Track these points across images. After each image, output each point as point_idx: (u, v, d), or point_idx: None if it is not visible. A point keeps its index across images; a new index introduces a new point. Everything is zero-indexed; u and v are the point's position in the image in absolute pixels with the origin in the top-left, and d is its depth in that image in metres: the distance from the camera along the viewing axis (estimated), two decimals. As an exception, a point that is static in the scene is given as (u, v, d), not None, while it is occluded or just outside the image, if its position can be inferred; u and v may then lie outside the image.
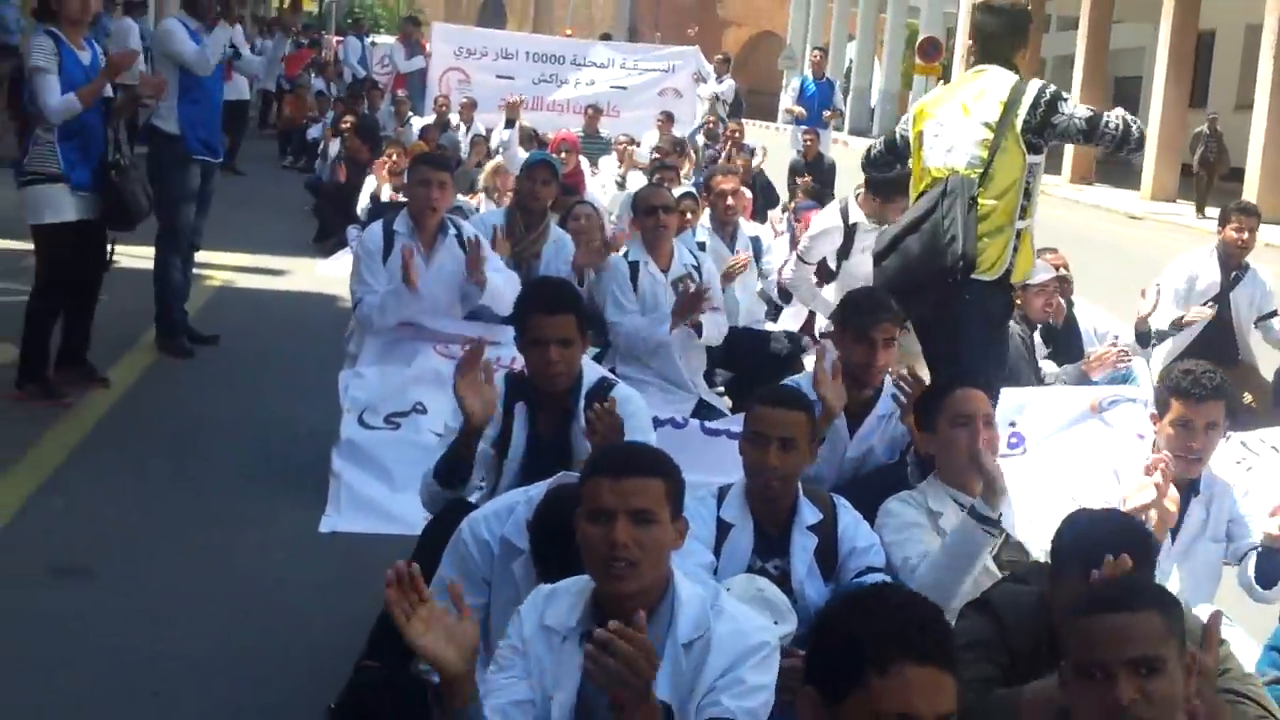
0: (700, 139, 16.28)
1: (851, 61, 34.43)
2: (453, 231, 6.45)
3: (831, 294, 7.40)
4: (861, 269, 6.94)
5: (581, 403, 4.47)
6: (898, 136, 5.68)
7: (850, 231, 7.07)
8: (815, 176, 13.40)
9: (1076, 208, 16.41)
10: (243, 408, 7.19)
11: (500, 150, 13.04)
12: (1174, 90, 23.98)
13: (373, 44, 23.01)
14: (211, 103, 8.31)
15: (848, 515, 4.05)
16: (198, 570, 5.09)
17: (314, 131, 17.74)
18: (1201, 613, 4.01)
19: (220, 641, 4.50)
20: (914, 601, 2.26)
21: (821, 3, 35.45)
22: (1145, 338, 7.46)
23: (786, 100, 19.47)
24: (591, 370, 4.72)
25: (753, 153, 13.66)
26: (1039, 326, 6.90)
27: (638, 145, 13.88)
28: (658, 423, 6.10)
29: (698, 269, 7.00)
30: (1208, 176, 22.17)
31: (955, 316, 5.19)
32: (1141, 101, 25.20)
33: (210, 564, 5.15)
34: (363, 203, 11.52)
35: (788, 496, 4.00)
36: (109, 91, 7.14)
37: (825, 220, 7.35)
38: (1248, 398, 7.32)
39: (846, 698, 2.12)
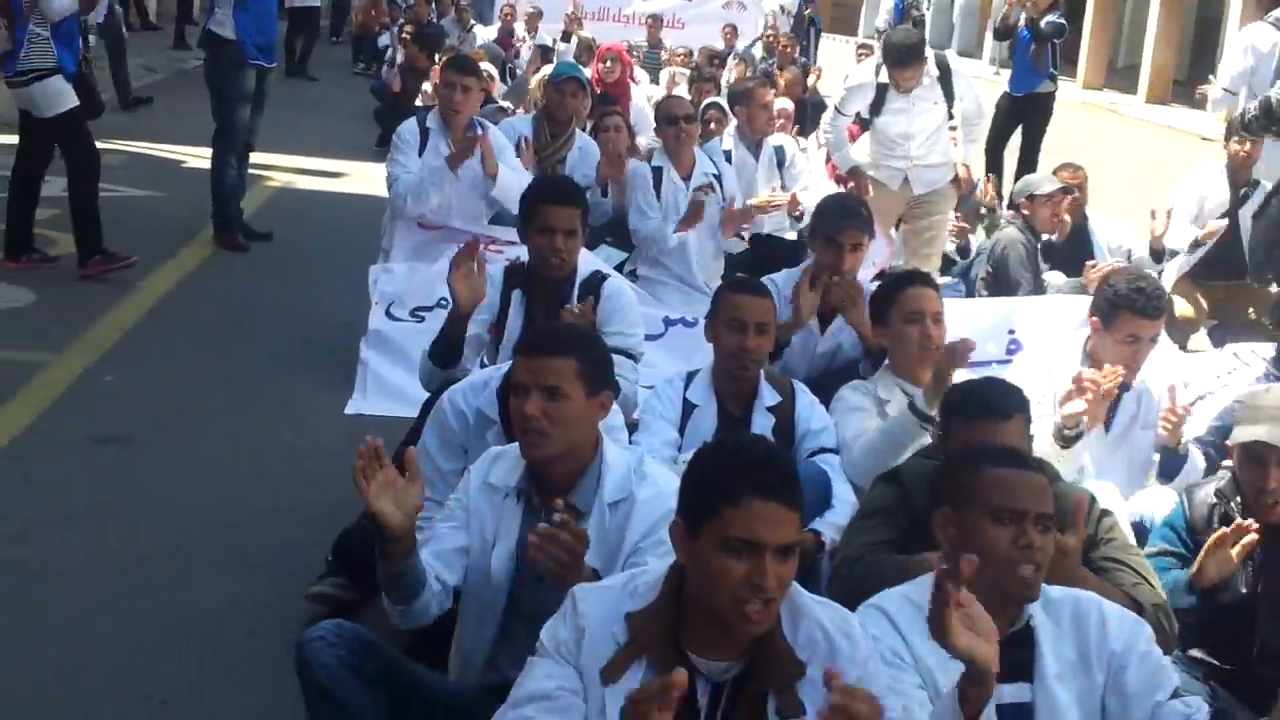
0: (758, 51, 16.38)
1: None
2: (480, 133, 6.78)
3: (864, 147, 7.98)
4: (891, 128, 7.62)
5: (576, 292, 4.86)
6: (1274, 103, 6.09)
7: (881, 91, 7.59)
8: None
9: (1148, 128, 16.25)
10: (287, 298, 7.64)
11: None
12: (1251, 13, 23.41)
13: (447, -48, 23.18)
14: (266, 10, 8.66)
15: (804, 399, 4.40)
16: (226, 443, 5.54)
17: (384, 39, 18.03)
18: (1137, 495, 4.35)
19: (240, 503, 4.96)
20: (765, 447, 2.60)
21: (906, -85, 34.94)
22: (1159, 255, 7.63)
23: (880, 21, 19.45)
24: (586, 263, 5.07)
25: (806, 69, 13.74)
26: (1044, 238, 7.14)
27: (693, 57, 14.04)
28: (669, 321, 6.53)
29: (718, 178, 7.28)
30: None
31: None
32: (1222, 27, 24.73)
33: (239, 437, 5.61)
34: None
35: (755, 378, 4.35)
36: None
37: (860, 75, 7.96)
38: (1251, 312, 7.50)
39: (704, 526, 2.47)
